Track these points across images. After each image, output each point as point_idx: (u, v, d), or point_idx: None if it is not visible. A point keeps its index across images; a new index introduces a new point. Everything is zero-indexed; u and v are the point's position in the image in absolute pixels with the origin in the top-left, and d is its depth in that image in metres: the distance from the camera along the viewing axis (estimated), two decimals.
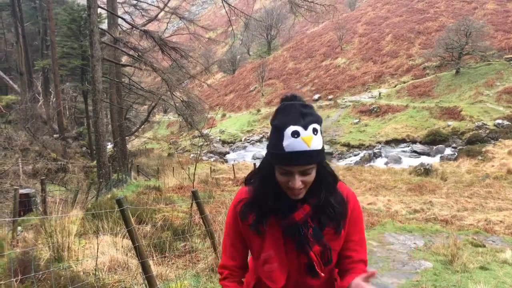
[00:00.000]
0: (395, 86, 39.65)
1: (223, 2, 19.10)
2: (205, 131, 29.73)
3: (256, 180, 1.62)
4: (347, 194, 1.63)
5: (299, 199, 1.53)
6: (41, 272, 4.12)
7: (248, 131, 40.27)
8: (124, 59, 22.23)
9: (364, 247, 1.65)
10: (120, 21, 20.09)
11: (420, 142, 28.98)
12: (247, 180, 1.70)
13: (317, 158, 1.44)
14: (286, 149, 1.40)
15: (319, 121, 1.46)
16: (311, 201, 1.54)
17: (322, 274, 1.55)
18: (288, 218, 1.53)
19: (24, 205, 9.07)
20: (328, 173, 1.56)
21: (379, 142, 30.54)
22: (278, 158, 1.44)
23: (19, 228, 7.16)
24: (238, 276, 1.73)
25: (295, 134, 1.40)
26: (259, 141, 37.45)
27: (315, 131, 1.42)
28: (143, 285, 4.14)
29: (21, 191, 9.44)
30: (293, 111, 1.43)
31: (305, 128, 1.40)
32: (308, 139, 1.40)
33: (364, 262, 1.63)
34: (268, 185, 1.54)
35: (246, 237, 1.66)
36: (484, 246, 7.80)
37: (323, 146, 1.47)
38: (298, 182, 1.44)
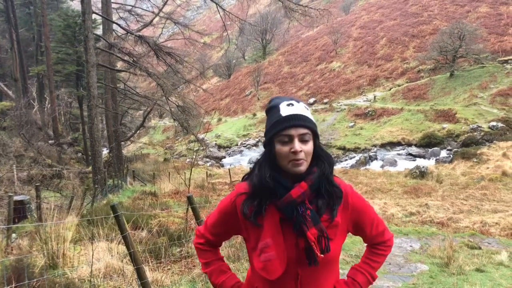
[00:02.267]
0: (390, 89, 39.80)
1: (218, 7, 19.16)
2: (201, 136, 29.70)
3: (253, 172, 1.67)
4: (344, 187, 1.67)
5: (296, 181, 1.57)
6: (35, 280, 4.09)
7: (244, 136, 40.26)
8: (119, 65, 22.22)
9: (376, 224, 1.77)
10: (115, 26, 20.09)
11: (416, 145, 29.07)
12: (245, 177, 1.74)
13: (312, 125, 1.58)
14: (283, 114, 1.56)
15: (307, 107, 1.65)
16: (308, 180, 1.57)
17: (322, 256, 1.54)
18: (285, 196, 1.55)
19: (19, 212, 9.01)
20: (323, 151, 1.65)
21: (375, 145, 30.62)
22: (277, 124, 1.56)
23: (13, 235, 7.11)
24: (213, 246, 1.85)
25: (290, 104, 1.59)
26: (255, 145, 37.43)
27: (306, 108, 1.62)
28: None
29: (16, 197, 9.38)
30: (284, 97, 1.65)
31: (298, 102, 1.61)
32: (301, 109, 1.59)
33: (380, 235, 1.79)
34: (266, 168, 1.60)
35: (243, 227, 1.67)
36: (480, 248, 7.82)
37: (315, 124, 1.62)
38: (299, 145, 1.53)
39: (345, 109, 38.40)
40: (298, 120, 1.54)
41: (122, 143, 25.27)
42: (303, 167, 1.55)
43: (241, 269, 5.03)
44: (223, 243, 1.88)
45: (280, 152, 1.55)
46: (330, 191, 1.60)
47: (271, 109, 1.62)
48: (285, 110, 1.57)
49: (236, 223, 1.69)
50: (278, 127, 1.55)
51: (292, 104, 1.58)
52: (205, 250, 1.82)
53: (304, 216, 1.54)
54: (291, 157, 1.53)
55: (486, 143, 25.25)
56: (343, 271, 6.04)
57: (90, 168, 18.68)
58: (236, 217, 1.68)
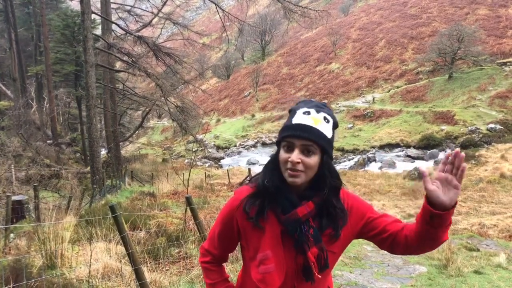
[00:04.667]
0: (389, 91, 39.85)
1: (217, 8, 19.16)
2: (199, 137, 29.70)
3: (260, 174, 1.64)
4: (343, 195, 1.63)
5: (302, 197, 1.54)
6: (33, 280, 4.08)
7: (242, 136, 40.25)
8: (118, 65, 22.20)
9: (384, 214, 1.65)
10: (114, 26, 20.08)
11: (414, 147, 29.10)
12: (251, 179, 1.70)
13: (320, 139, 1.49)
14: (294, 121, 1.52)
15: (333, 116, 1.57)
16: (315, 199, 1.54)
17: (319, 276, 1.52)
18: (291, 213, 1.52)
19: (17, 212, 9.00)
20: (331, 172, 1.57)
21: (373, 147, 30.63)
22: (284, 130, 1.53)
23: (11, 235, 7.10)
24: (219, 263, 1.82)
25: (306, 113, 1.52)
26: (254, 146, 37.44)
27: (326, 119, 1.53)
28: None
29: (14, 197, 9.36)
30: (310, 103, 1.58)
31: (317, 112, 1.53)
32: (316, 120, 1.51)
33: (397, 220, 1.63)
34: (271, 171, 1.57)
35: (243, 235, 1.65)
36: (478, 250, 7.83)
37: (331, 140, 1.54)
38: (297, 156, 1.47)
39: (344, 110, 38.43)
40: (302, 131, 1.48)
41: (121, 143, 25.24)
42: (298, 180, 1.50)
43: (239, 270, 5.03)
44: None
45: (281, 157, 1.53)
46: (333, 213, 1.56)
47: (291, 111, 1.59)
48: (298, 117, 1.52)
49: (238, 230, 1.67)
50: (284, 133, 1.52)
51: (309, 113, 1.52)
52: (210, 269, 1.79)
53: (307, 235, 1.52)
54: (288, 166, 1.49)
55: (485, 145, 25.30)
56: (342, 272, 6.01)
57: (88, 168, 18.65)
58: (237, 223, 1.65)
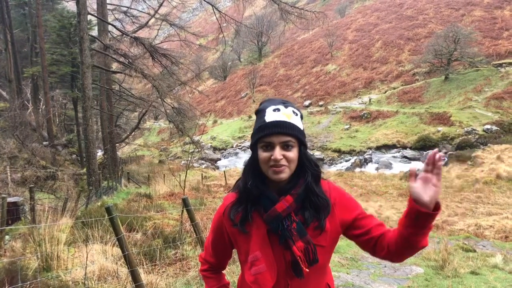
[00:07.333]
0: (385, 92, 39.94)
1: (214, 9, 19.15)
2: (196, 138, 29.64)
3: (240, 180, 1.66)
4: (328, 188, 1.63)
5: (281, 192, 1.55)
6: (28, 282, 4.05)
7: (239, 138, 40.24)
8: (115, 66, 22.16)
9: (370, 215, 1.65)
10: (110, 28, 20.03)
11: (411, 148, 29.17)
12: (234, 186, 1.73)
13: (297, 132, 1.53)
14: (267, 120, 1.53)
15: (299, 110, 1.60)
16: (294, 192, 1.55)
17: (307, 270, 1.53)
18: (271, 210, 1.53)
19: (12, 213, 8.96)
20: (310, 161, 1.60)
21: (370, 148, 30.69)
22: (260, 130, 1.53)
23: (6, 237, 7.06)
24: (217, 270, 1.86)
25: (276, 110, 1.54)
26: None
27: (295, 113, 1.56)
28: None
29: (9, 199, 9.33)
30: (275, 100, 1.61)
31: (286, 107, 1.56)
32: (288, 115, 1.54)
33: (382, 224, 1.62)
34: (251, 174, 1.59)
35: (233, 241, 1.67)
36: (475, 251, 7.85)
37: (303, 131, 1.57)
38: (279, 153, 1.49)
39: (340, 111, 38.49)
40: (280, 128, 1.50)
41: (117, 144, 25.18)
42: (283, 175, 1.52)
43: (236, 272, 5.02)
44: None
45: (261, 158, 1.54)
46: (315, 202, 1.56)
47: (259, 112, 1.59)
48: (270, 115, 1.53)
49: (228, 236, 1.69)
50: (260, 133, 1.53)
51: (279, 109, 1.54)
52: (209, 277, 1.84)
53: (290, 230, 1.52)
54: (271, 164, 1.51)
55: (481, 146, 25.39)
56: (338, 274, 6.00)
57: (84, 170, 18.58)
58: (226, 230, 1.68)
